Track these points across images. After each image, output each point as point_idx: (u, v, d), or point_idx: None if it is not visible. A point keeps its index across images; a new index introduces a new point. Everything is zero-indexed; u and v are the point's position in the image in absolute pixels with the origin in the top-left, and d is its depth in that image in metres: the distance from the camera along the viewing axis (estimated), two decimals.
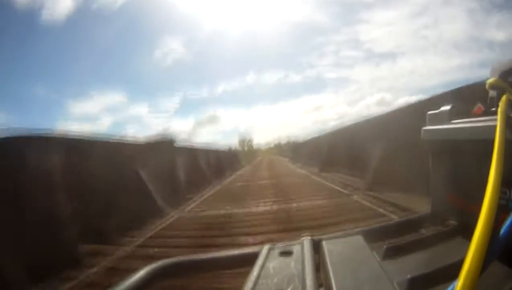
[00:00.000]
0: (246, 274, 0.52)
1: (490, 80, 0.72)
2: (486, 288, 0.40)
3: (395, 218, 2.94)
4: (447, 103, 0.78)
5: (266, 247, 0.62)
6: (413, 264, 0.57)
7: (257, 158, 36.05)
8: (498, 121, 0.53)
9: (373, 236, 0.66)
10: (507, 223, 0.40)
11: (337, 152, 8.21)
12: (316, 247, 0.59)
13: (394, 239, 0.70)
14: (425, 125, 0.81)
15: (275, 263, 0.55)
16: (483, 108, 0.72)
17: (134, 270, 0.59)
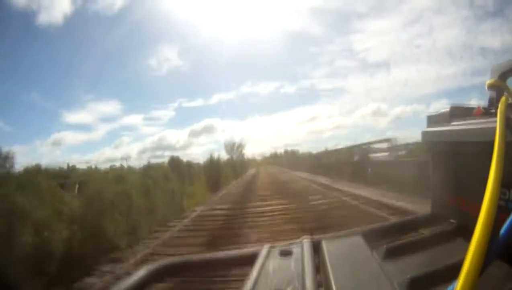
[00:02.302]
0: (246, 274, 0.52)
1: (490, 81, 0.72)
2: (486, 288, 0.40)
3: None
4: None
5: (266, 247, 0.62)
6: (413, 264, 0.57)
7: (248, 171, 27.33)
8: (497, 123, 0.53)
9: (373, 236, 0.66)
10: (506, 223, 0.40)
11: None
12: (316, 247, 0.59)
13: (394, 239, 0.70)
14: (425, 127, 0.81)
15: (275, 263, 0.55)
16: (483, 109, 0.72)
17: None
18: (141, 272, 0.58)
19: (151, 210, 7.00)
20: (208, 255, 0.69)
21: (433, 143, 0.78)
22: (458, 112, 0.74)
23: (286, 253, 0.58)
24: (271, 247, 0.62)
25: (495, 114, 0.57)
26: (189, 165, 14.98)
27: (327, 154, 18.41)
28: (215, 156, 17.69)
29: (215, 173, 15.02)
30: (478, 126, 0.62)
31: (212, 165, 16.35)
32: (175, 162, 13.76)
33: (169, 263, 0.64)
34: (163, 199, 7.85)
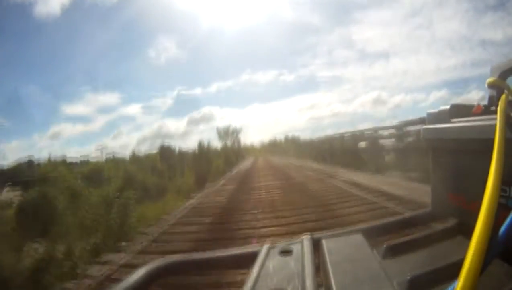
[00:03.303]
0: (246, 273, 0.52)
1: (490, 79, 0.72)
2: (487, 287, 0.40)
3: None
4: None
5: (265, 246, 0.62)
6: (413, 263, 0.57)
7: (242, 163, 20.39)
8: (497, 120, 0.53)
9: (373, 234, 0.67)
10: (507, 221, 0.40)
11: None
12: (316, 246, 0.60)
13: (394, 237, 0.70)
14: (425, 125, 0.81)
15: (275, 262, 0.55)
16: (483, 107, 0.72)
17: None
18: (140, 271, 0.58)
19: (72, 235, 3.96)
20: (208, 254, 0.69)
21: (433, 141, 0.78)
22: (458, 110, 0.75)
23: (286, 252, 0.58)
24: (271, 246, 0.62)
25: (495, 112, 0.57)
26: (181, 154, 12.08)
27: (338, 140, 14.10)
28: (207, 143, 14.10)
29: (203, 166, 11.62)
30: (478, 124, 0.63)
31: (201, 155, 12.69)
32: (166, 151, 11.28)
33: (168, 261, 0.64)
34: (102, 212, 4.62)
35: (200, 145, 13.49)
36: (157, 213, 5.84)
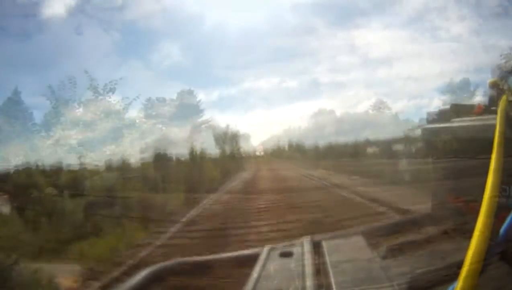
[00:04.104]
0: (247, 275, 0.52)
1: (491, 80, 0.72)
2: (487, 287, 0.40)
3: None
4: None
5: (266, 248, 0.62)
6: (414, 264, 0.57)
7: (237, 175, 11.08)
8: (497, 120, 0.53)
9: (373, 236, 0.66)
10: (507, 221, 0.40)
11: None
12: (316, 247, 0.59)
13: (395, 238, 0.70)
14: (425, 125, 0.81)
15: (275, 264, 0.55)
16: (483, 107, 0.72)
17: None
18: (143, 273, 0.59)
19: None
20: (209, 257, 0.69)
21: (433, 141, 0.78)
22: (458, 110, 0.75)
23: (286, 254, 0.58)
24: (271, 248, 0.62)
25: (495, 112, 0.57)
26: (179, 162, 10.90)
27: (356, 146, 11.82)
28: (200, 150, 12.34)
29: (195, 177, 9.98)
30: (479, 123, 0.63)
31: (193, 165, 11.12)
32: (162, 159, 10.39)
33: (170, 264, 0.64)
34: None
35: (192, 153, 11.29)
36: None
